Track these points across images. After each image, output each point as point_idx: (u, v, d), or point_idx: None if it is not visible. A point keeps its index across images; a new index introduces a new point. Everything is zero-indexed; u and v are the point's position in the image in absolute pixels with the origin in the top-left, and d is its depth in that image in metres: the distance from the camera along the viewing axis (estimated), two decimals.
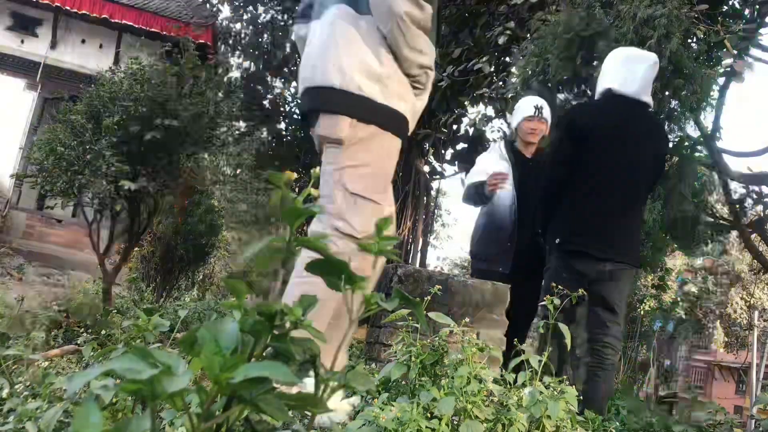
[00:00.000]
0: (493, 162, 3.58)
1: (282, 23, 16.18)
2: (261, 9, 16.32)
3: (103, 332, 2.77)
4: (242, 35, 16.42)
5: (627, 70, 2.84)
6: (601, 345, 2.71)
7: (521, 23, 6.96)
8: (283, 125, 17.27)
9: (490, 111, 11.33)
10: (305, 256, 1.80)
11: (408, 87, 1.99)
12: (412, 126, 2.05)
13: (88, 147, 4.23)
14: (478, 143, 11.26)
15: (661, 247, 4.92)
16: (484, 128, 10.26)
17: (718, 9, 5.47)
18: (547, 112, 3.60)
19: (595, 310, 2.75)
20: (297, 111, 17.56)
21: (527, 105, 3.61)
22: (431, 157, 14.45)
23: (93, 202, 4.41)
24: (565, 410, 1.60)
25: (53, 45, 10.54)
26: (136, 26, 9.99)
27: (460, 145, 13.08)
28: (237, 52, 16.10)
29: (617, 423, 2.68)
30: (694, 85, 4.48)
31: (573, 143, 2.81)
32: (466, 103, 11.58)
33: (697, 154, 5.59)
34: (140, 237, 4.77)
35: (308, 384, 0.75)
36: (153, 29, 10.00)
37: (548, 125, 3.62)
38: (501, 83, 7.04)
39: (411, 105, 2.02)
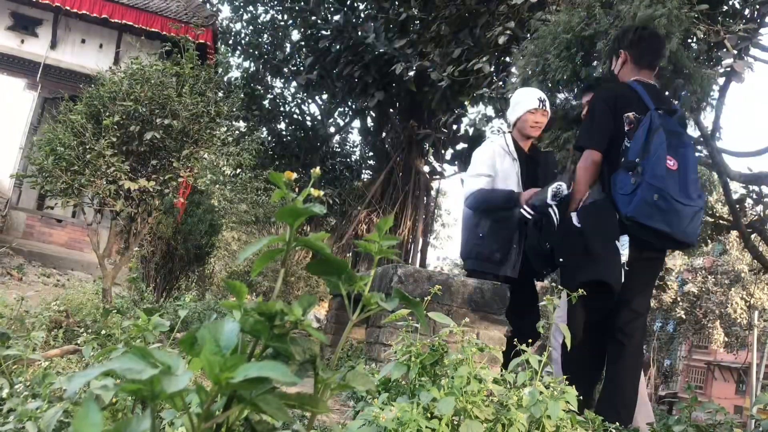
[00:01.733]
0: (500, 160, 3.44)
1: (282, 23, 16.20)
2: (261, 9, 16.34)
3: (103, 332, 2.77)
4: (242, 35, 16.44)
5: None
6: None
7: (521, 23, 6.96)
8: (283, 125, 17.30)
9: (490, 111, 11.35)
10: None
11: None
12: None
13: (88, 147, 4.22)
14: (478, 143, 11.28)
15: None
16: (484, 128, 10.27)
17: (718, 9, 5.47)
18: (548, 105, 3.54)
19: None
20: (297, 111, 17.59)
21: (530, 97, 3.47)
22: (431, 157, 14.47)
23: (93, 202, 4.41)
24: (565, 410, 1.60)
25: (53, 45, 10.54)
26: (136, 26, 9.98)
27: (460, 145, 13.10)
28: (237, 52, 16.11)
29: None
30: (694, 85, 4.48)
31: None
32: (466, 103, 11.60)
33: (697, 154, 5.59)
34: (140, 237, 4.77)
35: None
36: (153, 29, 9.99)
37: (548, 118, 3.56)
38: (501, 83, 7.04)
39: None
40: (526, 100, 3.47)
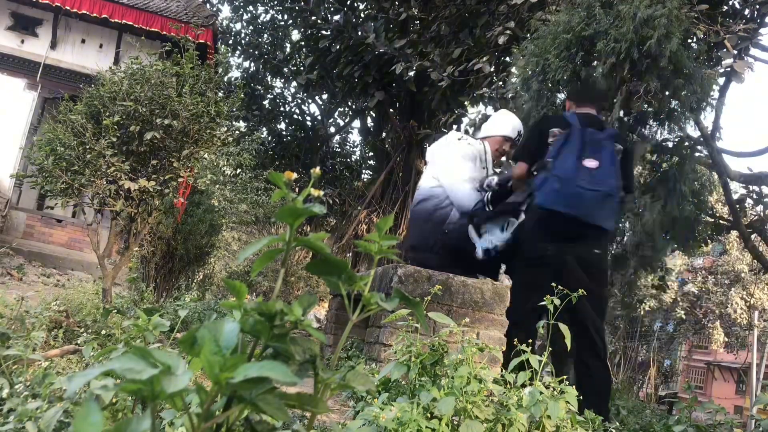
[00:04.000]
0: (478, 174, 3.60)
1: (282, 23, 16.20)
2: (261, 9, 16.34)
3: (103, 332, 2.77)
4: (242, 35, 16.43)
5: None
6: None
7: (521, 23, 6.95)
8: (283, 125, 17.30)
9: (490, 111, 11.33)
10: None
11: None
12: None
13: (88, 147, 4.22)
14: None
15: (661, 247, 4.92)
16: None
17: (718, 9, 5.47)
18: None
19: None
20: (297, 111, 17.60)
21: (504, 125, 3.76)
22: None
23: (93, 202, 4.41)
24: (565, 410, 1.60)
25: (53, 45, 10.54)
26: (136, 26, 9.98)
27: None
28: (237, 52, 16.11)
29: (617, 423, 2.68)
30: (694, 85, 4.48)
31: None
32: (466, 103, 11.59)
33: (697, 154, 5.59)
34: (140, 237, 4.76)
35: None
36: (153, 29, 9.99)
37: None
38: (501, 83, 7.04)
39: None
40: (503, 125, 3.79)
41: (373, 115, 15.15)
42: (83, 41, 10.77)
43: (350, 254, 13.64)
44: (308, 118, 17.69)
